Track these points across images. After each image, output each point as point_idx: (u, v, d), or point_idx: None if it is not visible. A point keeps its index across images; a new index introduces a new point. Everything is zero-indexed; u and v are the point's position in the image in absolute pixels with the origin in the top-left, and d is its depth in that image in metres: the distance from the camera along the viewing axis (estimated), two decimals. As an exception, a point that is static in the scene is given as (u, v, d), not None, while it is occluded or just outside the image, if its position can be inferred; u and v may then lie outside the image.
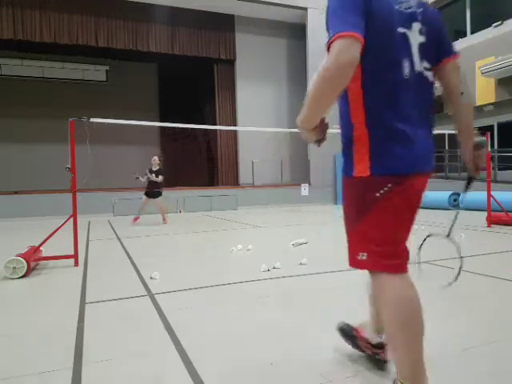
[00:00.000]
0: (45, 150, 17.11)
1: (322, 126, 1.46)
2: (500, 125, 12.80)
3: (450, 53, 1.52)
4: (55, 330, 2.48)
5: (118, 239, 6.72)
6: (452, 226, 1.65)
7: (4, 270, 3.90)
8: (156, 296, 3.16)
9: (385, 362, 1.84)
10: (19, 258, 3.96)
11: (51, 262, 4.60)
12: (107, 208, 12.25)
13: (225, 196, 13.88)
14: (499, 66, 11.86)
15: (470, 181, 1.62)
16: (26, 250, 4.39)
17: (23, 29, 12.78)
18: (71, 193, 4.51)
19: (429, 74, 1.47)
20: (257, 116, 15.61)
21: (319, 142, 1.50)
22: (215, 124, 15.56)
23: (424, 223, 7.39)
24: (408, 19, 1.40)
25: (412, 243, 1.56)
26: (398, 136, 1.37)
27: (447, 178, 13.50)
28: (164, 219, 9.34)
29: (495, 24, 12.68)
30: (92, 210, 11.62)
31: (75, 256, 4.48)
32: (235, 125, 15.56)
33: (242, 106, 15.85)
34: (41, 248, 4.58)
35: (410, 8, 1.41)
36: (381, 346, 1.81)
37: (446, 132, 7.34)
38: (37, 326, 2.58)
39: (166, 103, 19.22)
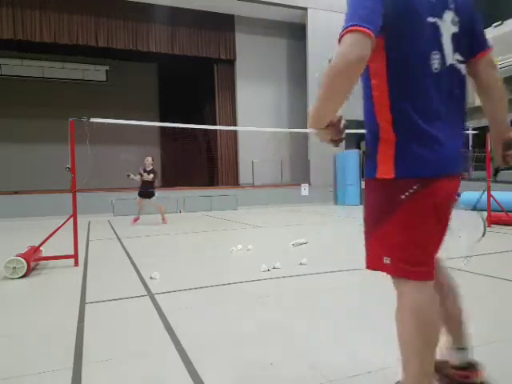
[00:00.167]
0: (45, 150, 17.09)
1: (338, 125, 1.33)
2: (500, 125, 12.80)
3: (484, 46, 1.43)
4: (55, 330, 2.48)
5: (118, 239, 6.71)
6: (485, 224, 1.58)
7: (4, 270, 3.90)
8: (156, 296, 3.16)
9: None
10: (19, 258, 3.96)
11: (51, 262, 4.60)
12: (107, 208, 12.23)
13: (225, 196, 13.87)
14: (499, 66, 11.86)
15: (497, 171, 1.60)
16: (25, 249, 4.39)
17: (23, 29, 12.76)
18: (71, 193, 4.51)
19: (461, 67, 1.38)
20: (257, 116, 15.59)
21: (335, 142, 1.37)
22: (215, 124, 15.54)
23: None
24: (439, 8, 1.30)
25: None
26: (426, 138, 1.29)
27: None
28: (164, 219, 9.33)
29: (495, 24, 12.68)
30: (92, 210, 11.61)
31: (75, 256, 4.48)
32: (235, 125, 15.54)
33: (241, 106, 15.84)
34: (41, 248, 4.58)
35: None
36: (467, 366, 1.58)
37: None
38: (37, 326, 2.59)
39: (165, 103, 19.20)
